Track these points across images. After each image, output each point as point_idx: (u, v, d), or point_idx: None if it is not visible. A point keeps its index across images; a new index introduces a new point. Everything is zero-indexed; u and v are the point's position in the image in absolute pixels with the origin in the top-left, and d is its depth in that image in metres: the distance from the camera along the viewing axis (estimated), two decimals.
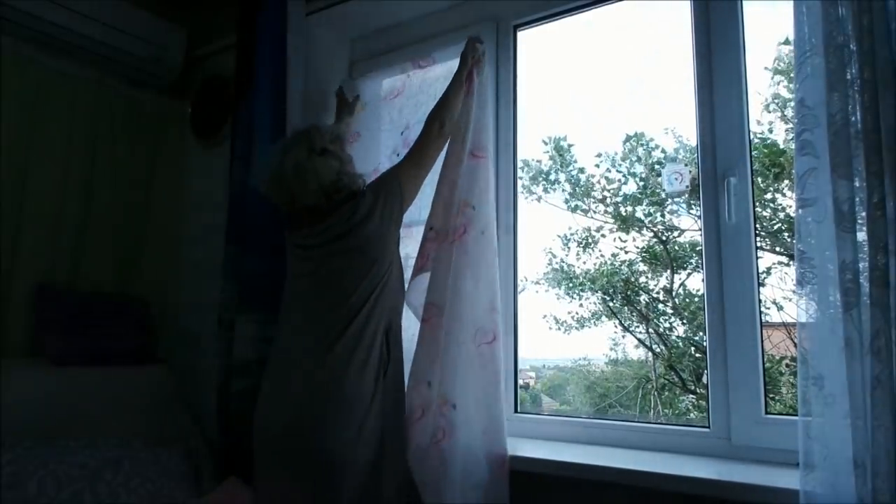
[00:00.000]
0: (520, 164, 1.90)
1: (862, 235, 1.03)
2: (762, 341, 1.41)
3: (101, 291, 2.19)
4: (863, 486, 0.98)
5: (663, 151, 2.75)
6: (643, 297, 2.90)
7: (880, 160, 1.02)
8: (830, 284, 1.07)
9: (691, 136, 2.00)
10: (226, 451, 1.86)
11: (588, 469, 1.37)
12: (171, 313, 2.37)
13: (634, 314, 2.91)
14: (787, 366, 2.33)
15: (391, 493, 1.40)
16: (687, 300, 2.77)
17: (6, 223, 1.97)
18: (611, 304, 2.95)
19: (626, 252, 2.87)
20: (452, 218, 1.54)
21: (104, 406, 1.89)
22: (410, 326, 1.61)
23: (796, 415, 1.09)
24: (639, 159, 2.84)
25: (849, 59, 1.07)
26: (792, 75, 1.68)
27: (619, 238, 2.87)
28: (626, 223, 2.85)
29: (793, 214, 1.25)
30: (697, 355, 2.68)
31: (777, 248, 2.50)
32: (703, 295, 1.55)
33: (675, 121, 2.59)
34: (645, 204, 2.85)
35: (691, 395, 2.70)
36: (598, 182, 2.95)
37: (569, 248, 3.01)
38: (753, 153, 1.54)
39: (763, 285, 2.27)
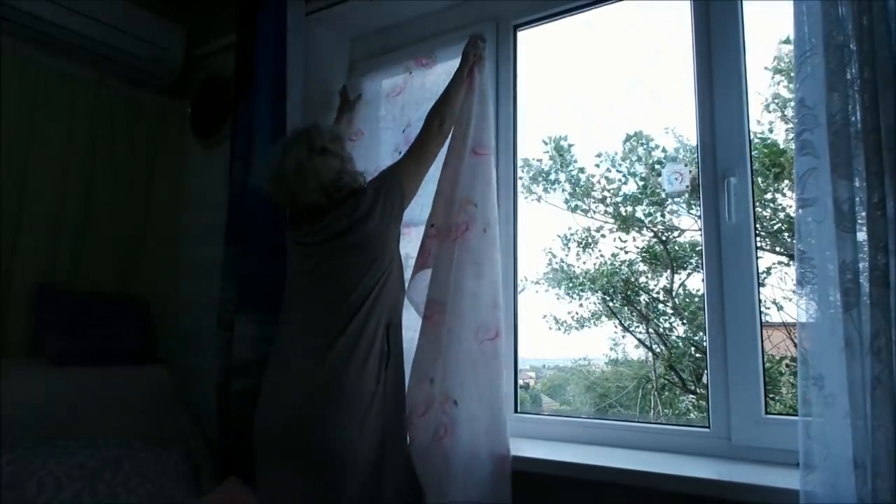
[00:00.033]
0: (520, 164, 1.90)
1: (862, 235, 1.03)
2: (762, 341, 1.41)
3: (101, 291, 2.19)
4: (863, 487, 0.98)
5: (664, 151, 2.75)
6: (643, 297, 2.90)
7: (880, 160, 1.02)
8: (830, 284, 1.07)
9: (691, 136, 2.00)
10: (226, 451, 1.86)
11: (588, 469, 1.37)
12: (171, 313, 2.37)
13: (634, 314, 2.91)
14: (787, 366, 2.33)
15: (392, 490, 1.40)
16: (687, 300, 2.77)
17: (6, 223, 1.97)
18: (611, 304, 2.95)
19: (626, 252, 2.87)
20: (454, 215, 1.54)
21: (104, 406, 1.89)
22: (410, 327, 1.61)
23: (796, 415, 1.09)
24: (639, 159, 2.84)
25: (849, 58, 1.07)
26: (792, 75, 1.68)
27: (619, 238, 2.88)
28: (626, 223, 2.85)
29: (793, 214, 1.25)
30: (697, 355, 2.68)
31: (777, 248, 2.50)
32: (703, 295, 1.55)
33: (675, 120, 2.60)
34: (645, 204, 2.85)
35: (691, 395, 2.70)
36: (598, 182, 2.95)
37: (569, 248, 3.01)
38: (753, 153, 1.54)
39: (763, 285, 2.27)
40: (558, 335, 2.99)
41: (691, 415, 2.64)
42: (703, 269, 1.51)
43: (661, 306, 2.87)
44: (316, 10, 2.07)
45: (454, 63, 1.68)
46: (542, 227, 2.98)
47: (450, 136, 1.61)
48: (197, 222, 2.40)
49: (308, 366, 1.37)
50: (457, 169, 1.58)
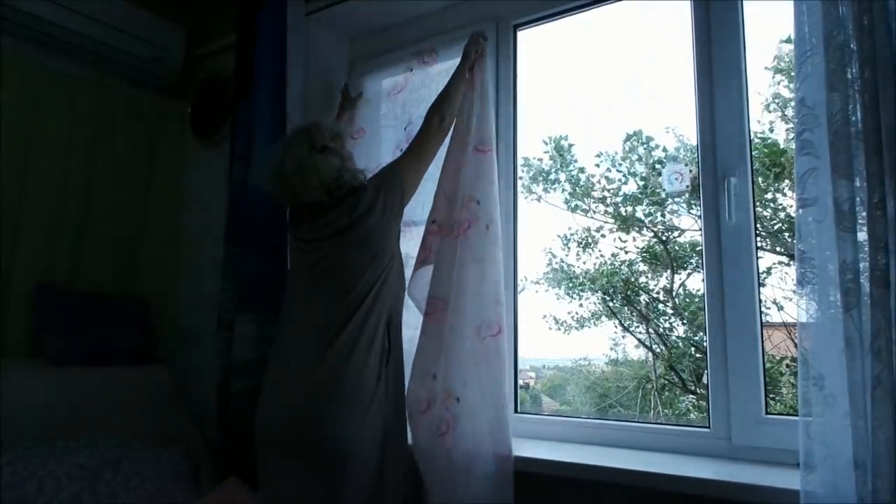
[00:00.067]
0: (520, 164, 1.90)
1: (862, 235, 1.02)
2: (762, 341, 1.41)
3: (101, 291, 2.19)
4: (863, 487, 0.98)
5: (664, 150, 2.75)
6: (643, 298, 2.90)
7: (881, 160, 1.02)
8: (831, 284, 1.07)
9: (692, 136, 2.00)
10: (226, 451, 1.86)
11: (588, 469, 1.37)
12: (171, 313, 2.37)
13: (634, 314, 2.91)
14: (788, 366, 2.33)
15: (393, 487, 1.40)
16: (687, 300, 2.77)
17: (6, 223, 1.97)
18: (611, 304, 2.94)
19: (626, 252, 2.87)
20: (456, 212, 1.55)
21: (104, 406, 1.89)
22: (411, 324, 1.61)
23: (797, 415, 1.09)
24: (639, 158, 2.84)
25: (849, 58, 1.07)
26: (792, 74, 1.68)
27: (619, 238, 2.87)
28: (626, 223, 2.85)
29: (793, 214, 1.25)
30: (697, 355, 2.68)
31: (777, 248, 2.50)
32: (703, 295, 1.55)
33: (675, 120, 2.59)
34: (645, 204, 2.85)
35: (691, 396, 2.70)
36: (598, 182, 2.95)
37: (569, 248, 3.01)
38: (754, 153, 1.54)
39: (763, 285, 2.27)
40: (558, 335, 3.00)
41: (691, 415, 2.64)
42: (703, 269, 1.51)
43: (661, 306, 2.87)
44: (316, 10, 2.07)
45: (455, 62, 1.68)
46: (542, 227, 2.98)
47: (450, 133, 1.61)
48: (197, 222, 2.40)
49: (308, 364, 1.37)
50: (458, 166, 1.59)
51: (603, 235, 2.93)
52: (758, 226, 1.76)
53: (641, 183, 2.83)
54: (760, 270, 1.48)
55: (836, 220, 1.05)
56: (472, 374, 1.48)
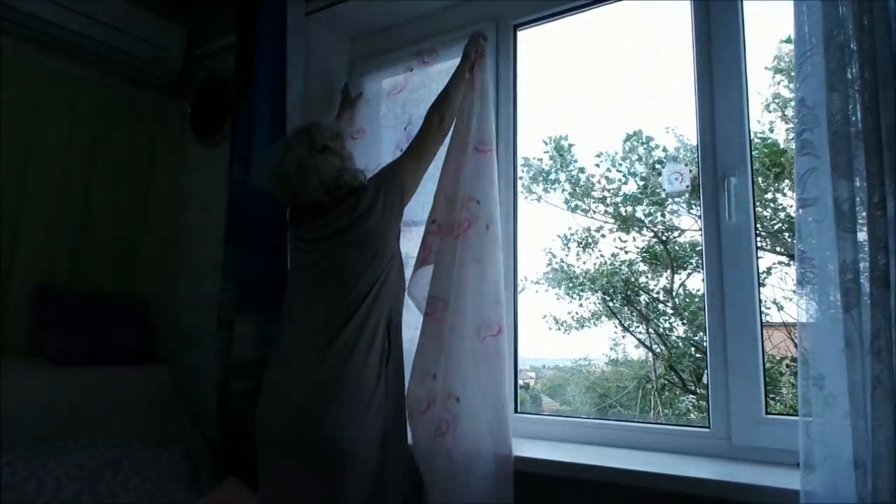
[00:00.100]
0: (520, 163, 1.90)
1: (862, 235, 1.02)
2: (762, 341, 1.41)
3: (101, 291, 2.19)
4: (863, 487, 0.98)
5: (664, 150, 2.75)
6: (643, 298, 2.90)
7: (880, 160, 1.02)
8: (831, 284, 1.07)
9: (692, 136, 2.00)
10: (226, 451, 1.86)
11: (588, 469, 1.37)
12: (171, 313, 2.37)
13: (634, 314, 2.91)
14: (788, 366, 2.33)
15: (393, 487, 1.40)
16: (687, 300, 2.77)
17: (6, 223, 1.97)
18: (611, 304, 2.94)
19: (626, 252, 2.87)
20: (457, 212, 1.55)
21: (104, 406, 1.89)
22: (410, 324, 1.61)
23: (797, 415, 1.09)
24: (639, 158, 2.84)
25: (849, 58, 1.07)
26: (792, 74, 1.68)
27: (619, 238, 2.87)
28: (626, 223, 2.85)
29: (793, 214, 1.25)
30: (697, 355, 2.68)
31: (777, 248, 2.50)
32: (703, 295, 1.54)
33: (675, 120, 2.59)
34: (645, 204, 2.85)
35: (691, 396, 2.70)
36: (598, 182, 2.95)
37: (569, 248, 3.01)
38: (754, 153, 1.54)
39: (763, 285, 2.27)
40: (558, 335, 3.00)
41: (691, 415, 2.64)
42: (703, 269, 1.51)
43: (661, 306, 2.87)
44: (316, 10, 2.07)
45: (455, 62, 1.68)
46: (542, 227, 2.98)
47: (450, 133, 1.62)
48: (197, 222, 2.40)
49: (308, 364, 1.37)
50: (458, 166, 1.59)
51: (603, 235, 2.93)
52: (758, 226, 1.76)
53: (641, 183, 2.83)
54: (760, 270, 1.48)
55: (836, 220, 1.05)
56: (472, 374, 1.48)
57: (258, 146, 1.89)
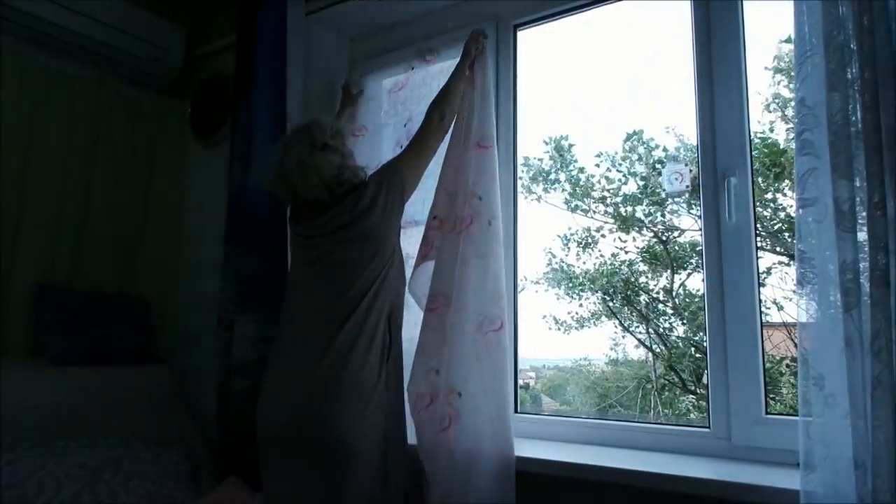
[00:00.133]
0: (520, 163, 1.90)
1: (862, 235, 1.02)
2: (762, 341, 1.41)
3: (101, 291, 2.19)
4: (863, 487, 0.98)
5: (664, 150, 2.75)
6: (643, 298, 2.90)
7: (880, 160, 1.01)
8: (831, 284, 1.07)
9: (692, 136, 2.00)
10: (226, 451, 1.86)
11: (588, 469, 1.37)
12: (171, 313, 2.37)
13: (634, 314, 2.91)
14: (788, 366, 2.33)
15: (395, 483, 1.41)
16: (687, 300, 2.77)
17: (6, 223, 1.97)
18: (611, 304, 2.94)
19: (626, 252, 2.87)
20: (459, 208, 1.55)
21: (104, 406, 1.89)
22: (410, 321, 1.61)
23: (797, 415, 1.09)
24: (639, 158, 2.84)
25: (849, 58, 1.07)
26: (792, 74, 1.68)
27: (619, 238, 2.87)
28: (626, 223, 2.85)
29: (793, 214, 1.25)
30: (697, 355, 2.68)
31: (777, 248, 2.50)
32: (703, 295, 1.54)
33: (675, 120, 2.60)
34: (645, 204, 2.85)
35: (691, 396, 2.70)
36: (598, 182, 2.95)
37: (569, 248, 3.01)
38: (754, 153, 1.54)
39: (763, 285, 2.27)
40: (558, 335, 3.00)
41: (691, 415, 2.64)
42: (703, 269, 1.51)
43: (661, 306, 2.87)
44: (316, 10, 2.07)
45: (456, 62, 1.68)
46: (542, 227, 2.98)
47: (450, 130, 1.62)
48: (197, 222, 2.40)
49: (308, 363, 1.37)
50: (460, 162, 1.59)
51: (603, 235, 2.93)
52: (758, 226, 1.76)
53: (641, 183, 2.83)
54: (760, 270, 1.48)
55: (836, 220, 1.05)
56: (473, 370, 1.48)
57: (258, 146, 1.89)
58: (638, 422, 2.19)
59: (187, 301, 2.35)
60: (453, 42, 1.86)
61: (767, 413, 1.38)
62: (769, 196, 2.50)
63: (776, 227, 2.51)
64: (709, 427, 1.45)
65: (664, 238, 2.80)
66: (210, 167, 2.36)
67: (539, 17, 1.86)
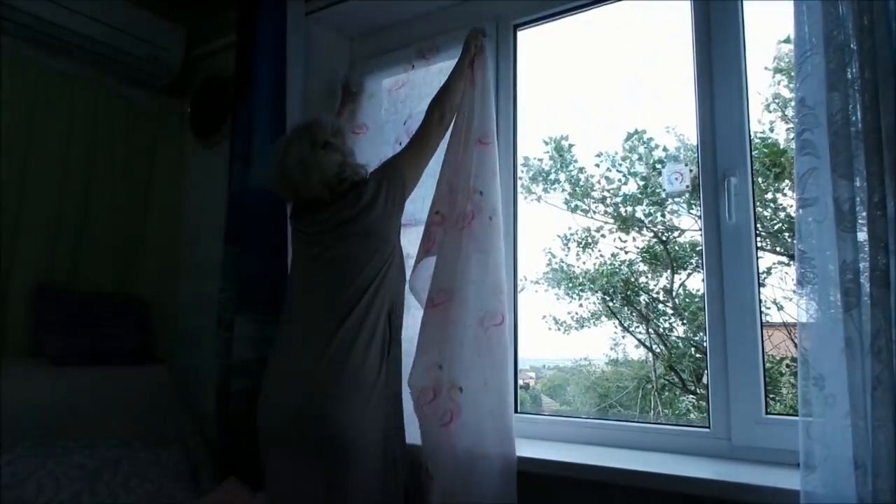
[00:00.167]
0: (520, 163, 1.90)
1: (862, 235, 1.02)
2: (762, 341, 1.41)
3: (101, 291, 2.19)
4: (863, 487, 0.98)
5: (664, 150, 2.75)
6: (643, 298, 2.90)
7: (881, 160, 1.01)
8: (831, 284, 1.06)
9: (692, 136, 2.00)
10: (225, 451, 1.86)
11: (588, 469, 1.37)
12: (171, 313, 2.37)
13: (634, 314, 2.91)
14: (788, 366, 2.33)
15: (395, 480, 1.41)
16: (687, 300, 2.77)
17: (6, 223, 1.97)
18: (611, 304, 2.94)
19: (626, 252, 2.87)
20: (461, 204, 1.55)
21: (104, 406, 1.89)
22: (409, 327, 1.61)
23: (797, 415, 1.09)
24: (639, 158, 2.84)
25: (849, 58, 1.07)
26: (792, 74, 1.68)
27: (619, 238, 2.87)
28: (626, 223, 2.85)
29: (793, 214, 1.25)
30: (697, 355, 2.68)
31: (777, 248, 2.50)
32: (703, 295, 1.54)
33: (675, 120, 2.60)
34: (645, 204, 2.85)
35: (691, 396, 2.70)
36: (598, 182, 2.95)
37: (569, 248, 3.01)
38: (754, 153, 1.54)
39: (763, 285, 2.27)
40: (558, 335, 3.00)
41: (691, 415, 2.64)
42: (703, 269, 1.51)
43: (661, 306, 2.87)
44: (316, 10, 2.07)
45: (455, 61, 1.68)
46: (542, 227, 2.98)
47: (450, 128, 1.62)
48: (197, 222, 2.40)
49: (308, 361, 1.38)
50: (461, 159, 1.59)
51: (603, 235, 2.93)
52: (758, 226, 1.76)
53: (641, 183, 2.83)
54: (760, 270, 1.48)
55: (836, 220, 1.05)
56: (475, 365, 1.48)
57: (258, 146, 1.89)
58: (638, 422, 2.19)
59: (187, 301, 2.35)
60: (453, 41, 1.86)
61: (767, 413, 1.38)
62: (769, 196, 2.50)
63: (776, 227, 2.51)
64: (709, 427, 1.45)
65: (664, 238, 2.80)
66: (210, 167, 2.36)
67: (539, 17, 1.86)
